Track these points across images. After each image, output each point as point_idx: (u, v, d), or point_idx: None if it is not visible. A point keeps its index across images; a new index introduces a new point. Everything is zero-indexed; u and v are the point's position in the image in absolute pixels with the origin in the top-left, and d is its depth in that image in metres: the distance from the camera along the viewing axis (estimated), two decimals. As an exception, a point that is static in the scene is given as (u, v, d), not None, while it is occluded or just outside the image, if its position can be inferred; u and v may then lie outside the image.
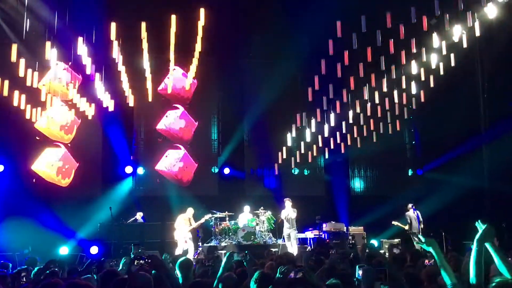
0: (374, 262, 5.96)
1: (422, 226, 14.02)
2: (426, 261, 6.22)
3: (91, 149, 16.30)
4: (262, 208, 14.74)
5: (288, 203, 14.15)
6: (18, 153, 14.85)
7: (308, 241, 14.89)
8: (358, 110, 14.70)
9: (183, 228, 13.63)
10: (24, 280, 5.92)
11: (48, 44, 10.08)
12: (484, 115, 17.33)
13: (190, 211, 13.93)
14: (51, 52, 10.25)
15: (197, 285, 4.90)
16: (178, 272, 5.39)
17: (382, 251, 12.54)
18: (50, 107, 13.14)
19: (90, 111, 13.83)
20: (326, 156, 16.93)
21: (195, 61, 11.78)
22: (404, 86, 14.19)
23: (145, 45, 10.44)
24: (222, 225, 14.41)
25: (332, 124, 14.97)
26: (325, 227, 14.86)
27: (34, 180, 14.57)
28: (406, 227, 14.12)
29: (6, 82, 11.86)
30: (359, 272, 4.39)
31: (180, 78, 15.23)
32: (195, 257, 12.58)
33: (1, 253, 12.37)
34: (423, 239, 3.73)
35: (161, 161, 14.95)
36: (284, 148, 15.77)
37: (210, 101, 18.45)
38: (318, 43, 11.69)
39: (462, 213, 15.45)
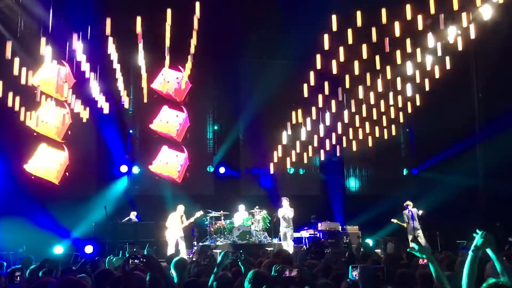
0: (369, 261, 5.97)
1: (416, 224, 14.01)
2: (421, 260, 6.22)
3: (85, 148, 16.24)
4: (257, 207, 14.75)
5: (285, 202, 14.15)
6: (12, 152, 14.79)
7: (304, 240, 14.91)
8: (353, 109, 14.72)
9: (174, 227, 13.59)
10: (18, 279, 5.87)
11: (43, 40, 10.02)
12: (478, 115, 17.40)
13: (181, 208, 13.87)
14: (45, 49, 10.19)
15: (192, 285, 4.89)
16: (173, 272, 5.38)
17: (377, 250, 12.58)
18: (43, 108, 13.07)
19: (84, 114, 13.77)
20: (322, 156, 16.96)
21: (190, 58, 11.71)
22: (399, 87, 14.21)
23: (140, 40, 10.36)
24: (217, 224, 14.40)
25: (328, 123, 14.98)
26: (320, 226, 14.89)
27: (32, 177, 14.54)
28: (405, 225, 14.17)
29: (0, 82, 11.78)
30: (352, 273, 4.37)
31: (175, 78, 15.22)
32: (190, 256, 12.57)
33: (-4, 253, 12.32)
34: (416, 247, 3.72)
35: (157, 164, 14.94)
36: (279, 147, 15.76)
37: (205, 100, 18.43)
38: (314, 37, 11.65)
39: (456, 212, 15.55)
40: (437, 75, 13.51)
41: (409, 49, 12.29)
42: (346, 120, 15.21)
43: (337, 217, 17.12)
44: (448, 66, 13.22)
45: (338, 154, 16.44)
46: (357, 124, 15.20)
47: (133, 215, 14.99)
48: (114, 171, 16.71)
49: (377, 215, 15.85)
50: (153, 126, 16.24)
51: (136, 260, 4.76)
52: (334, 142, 15.69)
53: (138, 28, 9.82)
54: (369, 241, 14.90)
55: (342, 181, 19.25)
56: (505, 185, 14.67)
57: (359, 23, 9.96)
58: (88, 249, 13.74)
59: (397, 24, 10.65)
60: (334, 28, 10.04)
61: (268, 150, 16.78)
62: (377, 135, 15.76)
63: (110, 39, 10.84)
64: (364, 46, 11.50)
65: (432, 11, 10.22)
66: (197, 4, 9.93)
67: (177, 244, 13.60)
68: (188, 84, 15.42)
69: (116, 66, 11.98)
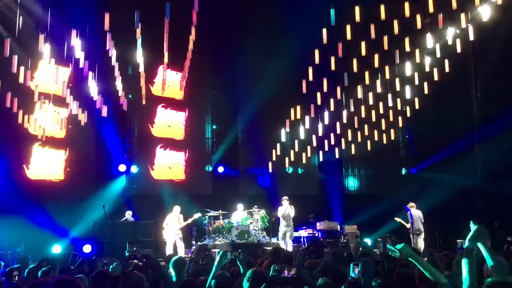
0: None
1: (414, 226, 13.96)
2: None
3: (84, 147, 16.23)
4: (256, 206, 14.75)
5: (285, 202, 14.14)
6: (10, 151, 14.77)
7: (302, 240, 14.92)
8: (352, 109, 14.70)
9: (172, 227, 13.58)
10: (16, 279, 5.87)
11: (41, 37, 9.97)
12: (477, 115, 17.41)
13: (177, 209, 13.86)
14: (44, 46, 10.14)
15: (190, 284, 4.89)
16: (172, 271, 5.38)
17: (375, 250, 12.57)
18: (40, 109, 13.03)
19: (83, 117, 13.74)
20: (321, 156, 16.96)
21: (188, 55, 11.64)
22: (398, 87, 14.20)
23: (138, 36, 10.28)
24: (216, 223, 14.40)
25: (326, 122, 14.96)
26: (319, 225, 14.89)
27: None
28: (408, 225, 14.05)
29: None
30: (354, 271, 4.37)
31: (173, 79, 15.23)
32: (189, 255, 12.56)
33: (-6, 252, 12.31)
34: (396, 252, 3.61)
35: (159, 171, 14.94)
36: (278, 145, 15.73)
37: (204, 100, 18.43)
38: (312, 32, 11.61)
39: (455, 211, 15.54)
40: (436, 75, 13.49)
41: (407, 48, 12.28)
42: (344, 120, 15.18)
43: (335, 216, 17.13)
44: (447, 66, 13.21)
45: (337, 156, 16.41)
46: (356, 125, 15.16)
47: (128, 214, 14.96)
48: (113, 171, 16.69)
49: (376, 215, 15.87)
50: (155, 133, 16.31)
51: (135, 260, 4.76)
52: (333, 142, 15.66)
53: (136, 23, 9.76)
54: (368, 241, 14.91)
55: (340, 181, 19.26)
56: (503, 185, 14.67)
57: (357, 18, 9.91)
58: (87, 248, 13.72)
59: (395, 22, 10.61)
60: (333, 22, 9.98)
61: (267, 149, 16.78)
62: (376, 138, 15.73)
63: (109, 35, 10.79)
64: (362, 44, 11.45)
65: (431, 9, 10.19)
66: (195, 3, 9.90)
67: (175, 245, 13.59)
68: (187, 84, 15.41)
69: (115, 63, 11.93)
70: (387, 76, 13.73)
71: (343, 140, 15.85)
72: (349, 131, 15.54)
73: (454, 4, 10.35)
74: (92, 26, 11.54)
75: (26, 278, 6.23)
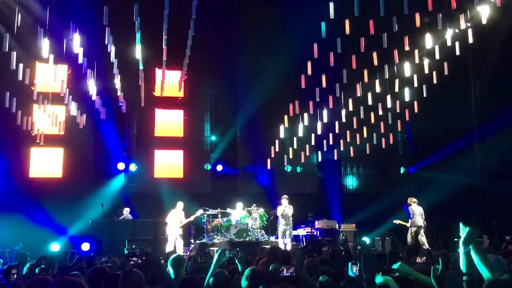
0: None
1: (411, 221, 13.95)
2: (418, 258, 6.24)
3: (82, 146, 16.22)
4: (254, 205, 14.75)
5: (284, 200, 14.14)
6: (8, 150, 14.75)
7: (301, 238, 14.93)
8: (351, 108, 14.68)
9: (174, 224, 13.59)
10: (15, 277, 5.85)
11: (40, 31, 9.92)
12: (476, 114, 17.43)
13: (180, 205, 13.87)
14: (43, 41, 10.11)
15: (188, 282, 4.89)
16: (170, 269, 5.38)
17: (374, 249, 12.58)
18: (39, 109, 13.00)
19: (81, 119, 13.72)
20: (319, 155, 16.96)
21: (187, 52, 11.59)
22: (397, 88, 14.18)
23: (137, 30, 10.23)
24: (214, 222, 14.39)
25: (325, 120, 14.93)
26: (317, 224, 14.89)
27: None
28: (408, 224, 14.01)
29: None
30: (352, 270, 4.35)
31: (173, 78, 15.21)
32: (187, 253, 12.57)
33: (-8, 250, 12.30)
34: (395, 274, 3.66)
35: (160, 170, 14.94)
36: (277, 141, 15.70)
37: (203, 98, 18.41)
38: (311, 27, 11.56)
39: (454, 210, 15.56)
40: (434, 75, 13.48)
41: (406, 47, 12.26)
42: (343, 119, 15.15)
43: (334, 215, 17.13)
44: (445, 66, 13.21)
45: (335, 157, 16.39)
46: (355, 126, 15.12)
47: (126, 211, 14.95)
48: (111, 169, 16.69)
49: (374, 214, 15.87)
50: (158, 134, 16.36)
51: (134, 258, 4.76)
52: (331, 142, 15.63)
53: (136, 16, 9.71)
54: (366, 239, 14.93)
55: (339, 179, 19.26)
56: (502, 184, 14.70)
57: (356, 13, 9.86)
58: (85, 246, 13.72)
59: (394, 19, 10.58)
60: (332, 16, 9.94)
61: (266, 147, 16.77)
62: (374, 142, 15.70)
63: (108, 30, 10.74)
64: (361, 40, 11.41)
65: (430, 7, 10.18)
66: (194, 2, 9.88)
67: (175, 242, 13.61)
68: (186, 83, 15.38)
69: (114, 60, 11.89)
70: (386, 75, 13.70)
71: (341, 141, 15.81)
72: (348, 132, 15.49)
73: (453, 4, 10.34)
74: (91, 24, 11.53)
75: (25, 276, 6.22)
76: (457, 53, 12.51)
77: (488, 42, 15.52)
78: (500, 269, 3.71)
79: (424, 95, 14.11)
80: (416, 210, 13.91)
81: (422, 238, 13.67)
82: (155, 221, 14.57)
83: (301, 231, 15.04)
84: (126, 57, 12.85)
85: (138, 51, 11.26)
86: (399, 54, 12.80)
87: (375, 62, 12.37)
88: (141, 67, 11.84)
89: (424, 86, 13.94)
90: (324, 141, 15.67)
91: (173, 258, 5.57)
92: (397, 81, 14.06)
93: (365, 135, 15.39)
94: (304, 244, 13.75)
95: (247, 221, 14.30)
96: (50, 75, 13.17)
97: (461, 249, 3.48)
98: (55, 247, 13.66)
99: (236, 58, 17.92)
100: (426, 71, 13.35)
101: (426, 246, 13.14)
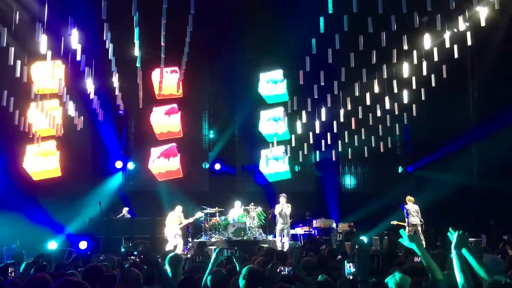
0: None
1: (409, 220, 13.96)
2: (416, 258, 6.25)
3: (80, 144, 16.18)
4: (252, 204, 14.75)
5: (282, 199, 14.17)
6: (6, 147, 14.71)
7: (298, 237, 14.94)
8: (349, 107, 14.67)
9: (173, 226, 13.61)
10: (13, 275, 5.85)
11: (38, 26, 9.87)
12: (473, 114, 17.46)
13: (179, 209, 13.92)
14: (41, 37, 10.07)
15: (186, 281, 4.89)
16: (167, 267, 5.38)
17: (372, 248, 12.59)
18: (36, 108, 12.95)
19: (79, 121, 13.68)
20: (317, 154, 16.96)
21: (185, 49, 11.54)
22: (395, 87, 14.18)
23: (136, 25, 10.17)
24: (212, 220, 14.39)
25: (323, 118, 14.92)
26: (315, 223, 14.91)
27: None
28: (406, 224, 14.02)
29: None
30: (348, 268, 4.36)
31: (171, 78, 15.16)
32: (185, 252, 12.57)
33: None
34: (405, 237, 3.70)
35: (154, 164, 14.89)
36: (274, 138, 15.65)
37: (201, 97, 18.40)
38: (310, 23, 11.53)
39: (451, 210, 15.60)
40: (432, 75, 13.49)
41: (405, 46, 12.25)
42: (341, 119, 15.13)
43: (332, 214, 17.15)
44: (443, 66, 13.22)
45: (333, 159, 16.37)
46: (353, 127, 15.09)
47: (125, 210, 14.97)
48: (109, 167, 16.67)
49: (372, 213, 15.89)
50: (158, 136, 16.32)
51: (132, 256, 4.77)
52: (329, 142, 15.62)
53: (134, 11, 9.67)
54: (364, 238, 14.93)
55: (337, 179, 19.28)
56: (499, 184, 14.74)
57: (354, 9, 9.83)
58: (82, 244, 13.72)
59: (393, 18, 10.57)
60: (330, 11, 9.90)
61: (264, 147, 16.77)
62: (373, 144, 15.68)
63: (106, 26, 10.69)
64: (360, 38, 11.39)
65: (429, 7, 10.17)
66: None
67: (174, 242, 13.63)
68: (184, 81, 15.34)
69: (112, 58, 11.85)
70: (385, 75, 13.68)
71: (339, 142, 15.79)
72: (346, 133, 15.47)
73: (452, 4, 10.33)
74: (89, 22, 11.48)
75: (22, 274, 6.22)
76: (456, 53, 12.51)
77: (486, 42, 15.54)
78: (497, 269, 3.72)
79: (423, 95, 14.12)
80: (412, 209, 13.94)
81: (420, 236, 13.69)
82: (153, 220, 14.57)
83: (299, 230, 15.05)
84: (124, 55, 12.83)
85: (136, 48, 11.21)
86: (398, 54, 12.78)
87: (374, 61, 12.37)
88: (138, 65, 11.79)
89: (422, 87, 13.94)
90: (323, 141, 15.67)
91: (170, 257, 5.57)
92: (395, 81, 14.05)
93: (363, 137, 15.38)
94: (302, 243, 13.76)
95: (245, 220, 14.31)
96: (48, 74, 13.14)
97: (453, 254, 3.49)
98: (52, 245, 13.65)
99: (235, 57, 17.90)
100: (425, 71, 13.35)
101: (424, 244, 13.18)
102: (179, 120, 15.40)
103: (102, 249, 12.89)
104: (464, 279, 3.36)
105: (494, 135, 15.20)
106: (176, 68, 14.57)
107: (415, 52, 13.02)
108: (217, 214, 14.58)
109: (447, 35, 12.23)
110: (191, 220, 13.91)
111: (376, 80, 13.94)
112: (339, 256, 7.21)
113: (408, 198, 14.19)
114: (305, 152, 16.29)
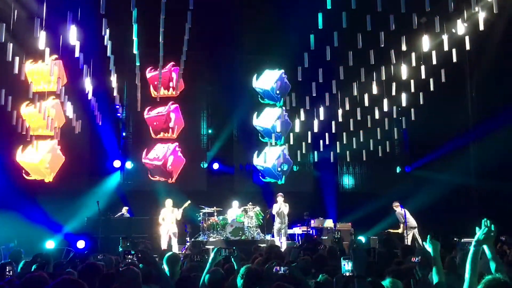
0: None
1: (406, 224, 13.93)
2: (413, 258, 6.25)
3: (78, 143, 16.14)
4: (250, 203, 14.75)
5: (280, 198, 14.16)
6: (3, 146, 14.67)
7: (296, 237, 14.93)
8: (347, 107, 14.66)
9: (167, 222, 13.59)
10: (11, 273, 5.84)
11: (36, 21, 9.83)
12: (471, 114, 17.47)
13: (169, 202, 13.87)
14: (40, 34, 10.03)
15: (184, 280, 4.89)
16: (165, 266, 5.38)
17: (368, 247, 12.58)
18: (34, 107, 12.92)
19: (77, 124, 13.65)
20: (315, 154, 16.96)
21: (184, 47, 11.51)
22: (394, 89, 14.18)
23: (134, 21, 10.14)
24: (210, 220, 14.39)
25: (322, 117, 14.90)
26: (313, 223, 14.91)
27: (23, 172, 14.45)
28: (400, 230, 13.98)
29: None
30: (345, 266, 4.34)
31: (168, 75, 15.17)
32: (183, 252, 12.56)
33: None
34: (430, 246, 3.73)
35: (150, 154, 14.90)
36: (273, 135, 15.65)
37: (199, 96, 18.37)
38: (308, 24, 11.51)
39: (449, 210, 15.61)
40: (430, 75, 13.50)
41: (403, 47, 12.25)
42: (340, 119, 15.12)
43: (330, 214, 17.14)
44: (441, 67, 13.23)
45: (332, 160, 16.36)
46: (351, 128, 15.08)
47: (125, 210, 14.95)
48: (107, 166, 16.64)
49: (370, 213, 15.88)
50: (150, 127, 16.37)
51: (130, 256, 4.76)
52: (327, 142, 15.61)
53: (132, 6, 9.64)
54: (362, 238, 14.93)
55: (335, 179, 19.26)
56: (497, 184, 14.75)
57: (353, 6, 9.82)
58: (80, 244, 13.70)
59: (391, 17, 10.56)
60: (329, 6, 9.89)
61: (263, 146, 16.77)
62: (371, 148, 15.69)
63: (105, 22, 10.66)
64: (359, 36, 11.39)
65: (427, 8, 10.18)
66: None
67: (169, 240, 13.60)
68: (182, 80, 15.33)
69: (110, 56, 11.82)
70: (383, 76, 13.66)
71: (338, 144, 15.78)
72: (344, 134, 15.46)
73: (451, 4, 10.34)
74: (88, 20, 11.45)
75: (20, 273, 6.20)
76: (454, 53, 12.52)
77: (484, 42, 15.54)
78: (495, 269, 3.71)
79: (421, 95, 14.13)
80: (406, 212, 13.92)
81: (419, 237, 13.71)
82: (151, 219, 14.55)
83: (297, 230, 15.05)
84: (122, 54, 12.81)
85: (134, 45, 11.18)
86: (396, 55, 12.79)
87: (372, 61, 12.37)
88: (137, 63, 11.76)
89: (421, 86, 13.95)
90: (321, 141, 15.66)
91: (168, 256, 5.57)
92: (393, 81, 14.05)
93: (361, 139, 15.39)
94: (300, 243, 13.76)
95: (243, 220, 14.31)
96: (46, 72, 13.12)
97: (472, 247, 3.43)
98: (50, 244, 13.63)
99: (233, 55, 17.88)
100: (423, 72, 13.36)
101: (422, 245, 13.18)
102: (177, 119, 15.41)
103: (100, 248, 12.86)
104: (472, 276, 3.35)
105: (492, 135, 15.21)
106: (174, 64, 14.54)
107: (413, 54, 13.02)
108: (215, 214, 14.58)
109: (445, 36, 12.23)
110: (181, 210, 13.81)
111: (374, 81, 13.93)
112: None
113: (395, 204, 14.19)
114: (304, 152, 16.30)
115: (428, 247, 3.71)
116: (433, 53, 12.68)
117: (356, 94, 14.11)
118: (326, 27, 10.57)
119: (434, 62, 12.92)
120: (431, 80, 13.67)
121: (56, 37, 11.74)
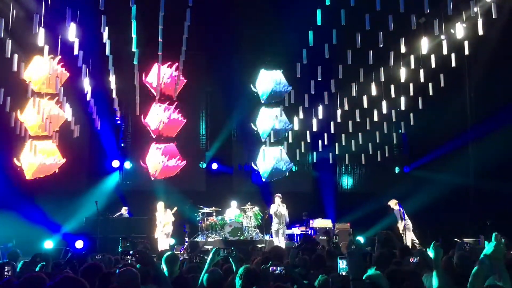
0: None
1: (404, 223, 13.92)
2: (411, 259, 6.26)
3: (77, 143, 16.11)
4: (249, 203, 14.76)
5: (277, 199, 14.15)
6: (2, 147, 14.65)
7: (295, 237, 14.94)
8: (346, 107, 14.65)
9: (162, 223, 13.60)
10: (10, 274, 5.83)
11: (36, 18, 9.80)
12: (470, 114, 17.48)
13: (160, 205, 13.87)
14: (39, 31, 10.01)
15: (183, 280, 4.88)
16: (164, 266, 5.37)
17: (368, 248, 12.59)
18: (33, 108, 12.90)
19: (76, 128, 13.63)
20: (314, 155, 16.97)
21: (183, 47, 11.50)
22: (392, 91, 14.18)
23: (133, 17, 10.11)
24: (209, 220, 14.39)
25: (320, 116, 14.89)
26: (312, 223, 14.91)
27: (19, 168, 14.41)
28: (401, 228, 13.92)
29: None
30: (341, 265, 4.32)
31: (168, 74, 15.15)
32: (182, 252, 12.56)
33: (-15, 247, 12.24)
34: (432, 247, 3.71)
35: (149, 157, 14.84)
36: (271, 132, 15.64)
37: (198, 96, 18.37)
38: (307, 23, 11.50)
39: (448, 210, 15.62)
40: (428, 76, 13.50)
41: (402, 48, 12.25)
42: (338, 119, 15.11)
43: (329, 214, 17.14)
44: (440, 67, 13.23)
45: (330, 161, 16.33)
46: (350, 129, 15.06)
47: (124, 210, 14.95)
48: (106, 166, 16.63)
49: (369, 213, 15.90)
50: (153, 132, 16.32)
51: (128, 256, 4.75)
52: (326, 143, 15.61)
53: (132, 2, 9.61)
54: (360, 239, 14.96)
55: (334, 179, 19.28)
56: (496, 184, 14.75)
57: (352, 3, 9.80)
58: (79, 244, 13.69)
59: (390, 17, 10.56)
60: (328, 2, 9.88)
61: (262, 146, 16.75)
62: (370, 151, 15.68)
63: (104, 19, 10.64)
64: (358, 35, 11.39)
65: (426, 9, 10.19)
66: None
67: (167, 240, 13.61)
68: (182, 81, 15.32)
69: (109, 55, 11.80)
70: (382, 77, 13.64)
71: (337, 145, 15.77)
72: (343, 136, 15.45)
73: (450, 5, 10.35)
74: (87, 19, 11.44)
75: (19, 273, 6.20)
76: (453, 58, 12.53)
77: (482, 43, 15.54)
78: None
79: (420, 95, 14.14)
80: (403, 210, 13.88)
81: (413, 236, 13.69)
82: (150, 219, 14.54)
83: (296, 230, 15.05)
84: (121, 54, 12.80)
85: (133, 44, 11.14)
86: (395, 55, 12.78)
87: (371, 61, 12.36)
88: (136, 62, 11.72)
89: (420, 87, 13.95)
90: (320, 141, 15.66)
91: (166, 256, 5.57)
92: (392, 84, 14.04)
93: (360, 142, 15.39)
94: (298, 243, 13.76)
95: (242, 220, 14.31)
96: (44, 70, 13.09)
97: (480, 261, 3.38)
98: (48, 244, 13.62)
99: (232, 56, 17.87)
100: (422, 72, 13.36)
101: (417, 242, 13.20)
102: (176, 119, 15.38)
103: (98, 248, 12.85)
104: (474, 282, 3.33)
105: (491, 136, 15.22)
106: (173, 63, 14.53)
107: (412, 56, 13.03)
108: (214, 214, 14.58)
109: (444, 39, 12.24)
110: (172, 212, 13.77)
111: (373, 82, 13.93)
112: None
113: (393, 201, 14.17)
114: (302, 151, 16.29)
115: (431, 252, 3.68)
116: (432, 56, 12.67)
117: (355, 95, 14.09)
118: (324, 24, 10.56)
119: (433, 65, 12.92)
120: (430, 85, 13.66)
121: (55, 35, 11.72)
